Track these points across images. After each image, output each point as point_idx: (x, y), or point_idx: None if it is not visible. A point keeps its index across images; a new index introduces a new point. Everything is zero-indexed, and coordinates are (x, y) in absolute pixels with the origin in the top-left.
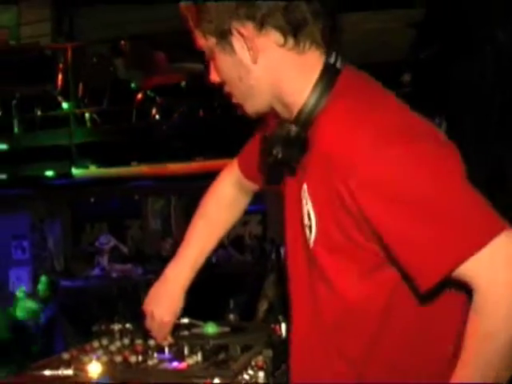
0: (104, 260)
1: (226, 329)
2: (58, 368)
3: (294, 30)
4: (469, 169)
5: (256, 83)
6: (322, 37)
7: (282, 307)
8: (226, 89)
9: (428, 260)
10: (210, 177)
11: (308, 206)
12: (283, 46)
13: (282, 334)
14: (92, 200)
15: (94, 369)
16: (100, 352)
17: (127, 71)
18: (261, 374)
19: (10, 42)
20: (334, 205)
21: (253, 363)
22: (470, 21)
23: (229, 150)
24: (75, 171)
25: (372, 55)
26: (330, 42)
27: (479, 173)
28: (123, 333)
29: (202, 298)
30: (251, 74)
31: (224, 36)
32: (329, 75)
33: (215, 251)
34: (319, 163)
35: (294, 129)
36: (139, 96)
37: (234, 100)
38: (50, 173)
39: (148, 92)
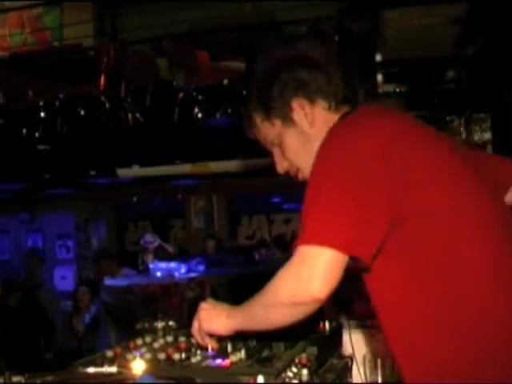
0: (149, 259)
1: None
2: (101, 365)
3: (334, 98)
4: None
5: (314, 143)
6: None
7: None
8: (293, 170)
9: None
10: (252, 175)
11: None
12: (328, 109)
13: (325, 331)
14: (135, 199)
15: (138, 366)
16: (143, 349)
17: (170, 71)
18: (304, 372)
19: (53, 44)
20: None
21: (296, 360)
22: None
23: None
24: (119, 171)
25: (415, 51)
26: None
27: None
28: (166, 330)
29: (244, 295)
30: (311, 138)
31: (287, 114)
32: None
33: (258, 249)
34: None
35: None
36: (182, 95)
37: (301, 176)
38: (93, 172)
39: (190, 91)
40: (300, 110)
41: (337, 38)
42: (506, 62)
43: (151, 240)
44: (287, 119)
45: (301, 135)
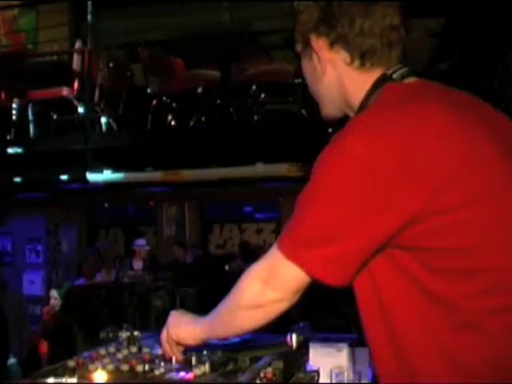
0: (138, 264)
1: (235, 339)
2: (62, 375)
3: (361, 55)
4: None
5: (325, 90)
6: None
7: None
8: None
9: None
10: (224, 184)
11: None
12: (350, 64)
13: (292, 345)
14: (106, 205)
15: (99, 377)
16: (106, 360)
17: (144, 77)
18: None
19: (27, 46)
20: None
21: (262, 375)
22: (491, 31)
23: (243, 158)
24: (90, 176)
25: None
26: (394, 60)
27: None
28: (131, 340)
29: (213, 306)
30: (322, 82)
31: (306, 45)
32: (377, 85)
33: (228, 260)
34: None
35: None
36: (155, 102)
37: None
38: (65, 177)
39: (164, 98)
40: (317, 48)
41: None
42: (478, 77)
43: (143, 243)
44: (306, 48)
45: (314, 73)
